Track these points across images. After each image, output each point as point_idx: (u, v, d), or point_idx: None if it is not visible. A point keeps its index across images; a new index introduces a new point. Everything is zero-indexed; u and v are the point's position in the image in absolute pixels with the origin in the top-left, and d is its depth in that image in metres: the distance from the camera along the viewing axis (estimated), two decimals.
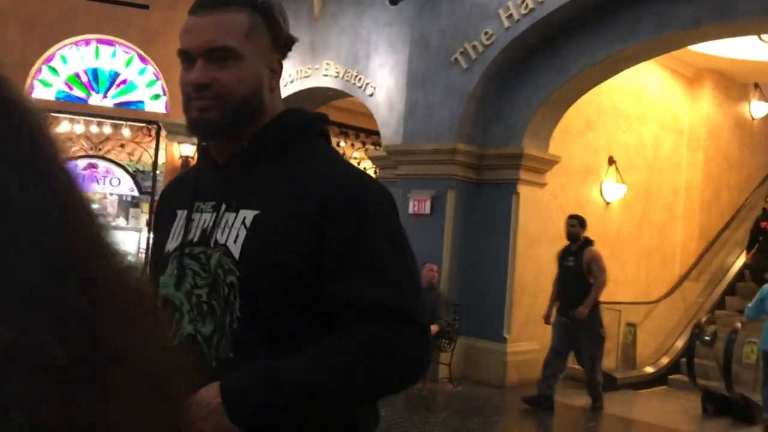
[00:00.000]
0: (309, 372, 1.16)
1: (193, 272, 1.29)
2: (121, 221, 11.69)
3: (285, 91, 10.43)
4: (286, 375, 1.16)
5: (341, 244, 1.23)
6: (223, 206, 1.30)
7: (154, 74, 11.73)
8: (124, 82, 11.73)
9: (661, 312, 10.30)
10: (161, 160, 11.80)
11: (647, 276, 10.66)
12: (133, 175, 11.75)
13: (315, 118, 1.40)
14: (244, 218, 1.26)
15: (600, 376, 7.17)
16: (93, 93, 11.61)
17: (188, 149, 11.64)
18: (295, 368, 1.16)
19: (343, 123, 12.36)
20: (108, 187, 11.67)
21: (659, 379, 9.18)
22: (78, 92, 11.57)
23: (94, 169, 11.59)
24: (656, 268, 10.82)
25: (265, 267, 1.23)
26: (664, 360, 9.46)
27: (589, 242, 6.92)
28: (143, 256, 11.42)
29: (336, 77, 9.99)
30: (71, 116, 11.49)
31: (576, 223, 6.98)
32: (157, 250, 1.43)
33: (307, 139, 1.36)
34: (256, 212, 1.26)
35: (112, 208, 11.69)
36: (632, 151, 10.47)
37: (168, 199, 1.51)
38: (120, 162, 11.77)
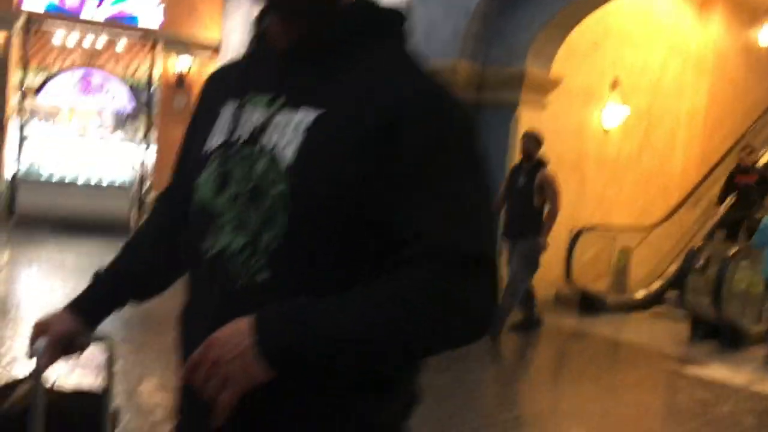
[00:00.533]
0: (360, 318, 0.96)
1: (237, 178, 1.10)
2: (117, 135, 11.58)
3: None
4: (335, 320, 0.95)
5: (411, 164, 1.02)
6: (280, 101, 1.10)
7: None
8: None
9: (656, 237, 10.32)
10: (157, 74, 11.59)
11: (645, 201, 10.63)
12: (129, 89, 11.57)
13: (397, 14, 1.17)
14: (302, 119, 1.06)
15: (515, 303, 6.67)
16: (86, 2, 11.30)
17: (184, 63, 11.43)
18: (345, 311, 0.96)
19: None
20: (104, 100, 11.51)
21: (650, 303, 9.29)
22: (70, 2, 11.25)
23: (89, 81, 11.41)
24: (655, 193, 10.78)
25: (320, 181, 1.03)
26: (656, 285, 9.54)
27: (542, 163, 6.65)
28: (139, 173, 11.38)
29: None
30: (66, 22, 11.22)
31: (532, 140, 6.70)
32: (193, 147, 1.23)
33: (385, 36, 1.14)
34: (317, 113, 1.06)
35: (108, 121, 11.57)
36: (637, 75, 10.25)
37: (213, 88, 1.28)
38: (115, 75, 11.57)
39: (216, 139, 1.16)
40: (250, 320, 0.95)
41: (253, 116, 1.12)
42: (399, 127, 1.02)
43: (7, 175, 10.73)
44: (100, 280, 1.35)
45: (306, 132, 1.05)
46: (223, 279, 1.09)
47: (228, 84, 1.22)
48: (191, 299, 1.20)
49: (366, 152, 1.02)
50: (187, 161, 1.27)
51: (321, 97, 1.07)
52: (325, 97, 1.07)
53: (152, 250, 1.36)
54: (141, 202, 11.34)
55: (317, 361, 0.95)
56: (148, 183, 11.60)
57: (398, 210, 1.01)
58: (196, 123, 1.28)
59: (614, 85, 9.81)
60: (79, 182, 10.59)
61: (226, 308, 1.02)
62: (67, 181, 10.52)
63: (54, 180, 10.49)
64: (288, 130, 1.07)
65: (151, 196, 11.42)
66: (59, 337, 1.26)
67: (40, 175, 10.49)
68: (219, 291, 1.10)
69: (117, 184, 10.88)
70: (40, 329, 1.27)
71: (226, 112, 1.16)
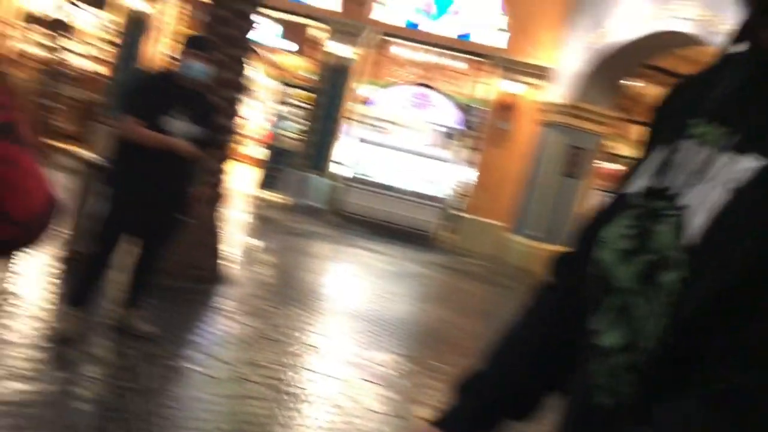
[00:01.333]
0: None
1: (649, 245, 0.76)
2: (441, 151, 11.81)
3: (632, 33, 9.44)
4: None
5: None
6: (734, 138, 0.74)
7: (501, 7, 11.49)
8: (458, 11, 11.69)
9: None
10: (488, 95, 11.62)
11: None
12: (458, 107, 11.76)
13: None
14: (737, 171, 0.70)
15: None
16: (425, 19, 11.76)
17: (517, 87, 11.29)
18: None
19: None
20: (433, 115, 11.85)
21: None
22: (422, 20, 11.80)
23: (422, 97, 11.84)
24: None
25: (729, 273, 0.66)
26: None
27: None
28: (457, 192, 11.50)
29: (690, 20, 8.72)
30: (409, 43, 11.80)
31: None
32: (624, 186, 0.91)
33: None
34: (762, 163, 0.69)
35: (434, 137, 11.88)
36: None
37: (665, 110, 0.93)
38: (447, 93, 11.84)
39: (640, 180, 0.83)
40: None
41: (695, 157, 0.76)
42: None
43: (338, 174, 11.58)
44: (470, 394, 1.02)
45: (734, 192, 0.69)
46: (590, 380, 0.80)
47: (685, 104, 0.86)
48: (577, 377, 0.90)
49: None
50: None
51: None
52: None
53: (545, 345, 1.00)
54: (453, 220, 11.49)
55: None
56: (464, 203, 11.71)
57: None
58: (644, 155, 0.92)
59: None
60: (399, 191, 11.02)
61: (582, 418, 0.82)
62: (388, 188, 11.02)
63: (377, 186, 11.05)
64: (711, 184, 0.72)
65: (466, 215, 11.47)
66: None
67: (366, 180, 11.13)
68: (585, 392, 0.82)
69: (434, 199, 11.13)
70: None
71: (665, 146, 0.82)
